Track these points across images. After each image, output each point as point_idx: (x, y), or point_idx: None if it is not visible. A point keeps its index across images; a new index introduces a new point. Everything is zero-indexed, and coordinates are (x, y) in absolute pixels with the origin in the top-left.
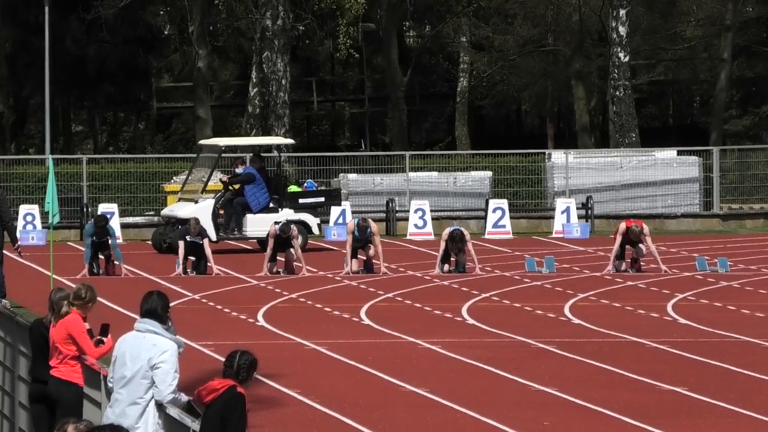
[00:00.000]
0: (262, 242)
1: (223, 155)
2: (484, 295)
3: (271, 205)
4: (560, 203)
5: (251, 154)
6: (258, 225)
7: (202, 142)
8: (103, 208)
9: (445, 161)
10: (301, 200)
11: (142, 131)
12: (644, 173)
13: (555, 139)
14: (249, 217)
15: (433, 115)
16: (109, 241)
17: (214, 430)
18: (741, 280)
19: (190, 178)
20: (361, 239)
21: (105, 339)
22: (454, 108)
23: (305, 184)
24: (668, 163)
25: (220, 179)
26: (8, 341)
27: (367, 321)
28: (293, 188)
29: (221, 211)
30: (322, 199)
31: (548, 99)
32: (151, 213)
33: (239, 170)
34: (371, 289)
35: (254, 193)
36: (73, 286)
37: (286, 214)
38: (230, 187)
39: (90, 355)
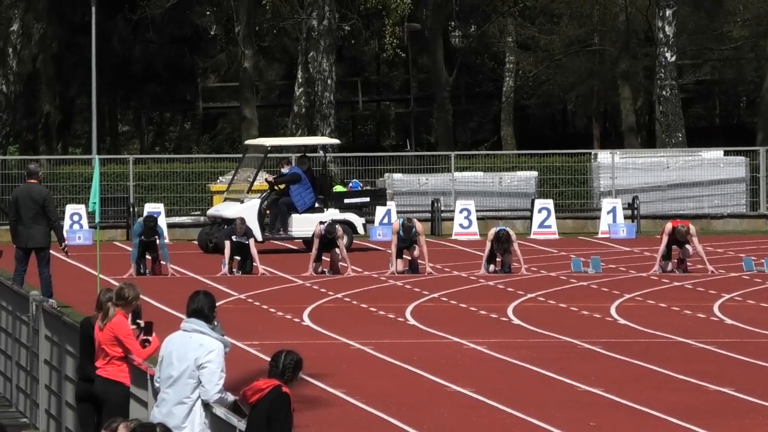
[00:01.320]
0: (307, 242)
1: (268, 155)
2: (529, 296)
3: (317, 205)
4: (606, 203)
5: (297, 154)
6: (303, 225)
7: (248, 142)
8: (149, 208)
9: (490, 161)
10: (346, 200)
11: (188, 131)
12: (691, 173)
13: (601, 139)
14: (294, 217)
15: (479, 115)
16: (157, 241)
17: (259, 430)
18: None
19: (236, 178)
20: (407, 239)
21: (150, 338)
22: (499, 108)
23: (350, 184)
24: (715, 163)
25: (266, 179)
26: (55, 341)
27: (412, 321)
28: (338, 188)
29: (267, 212)
30: (368, 199)
31: (594, 99)
32: (197, 213)
33: (285, 170)
34: (416, 290)
35: (300, 193)
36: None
37: (332, 214)
38: (276, 187)
39: (137, 356)
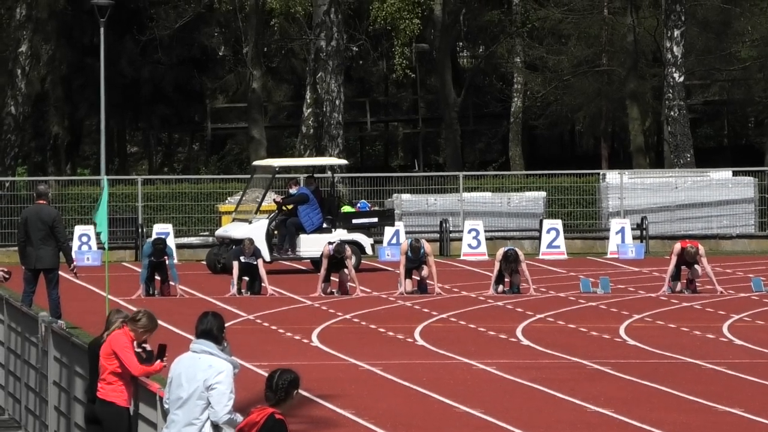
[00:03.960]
0: (315, 263)
1: (277, 176)
2: (538, 316)
3: (325, 225)
4: (615, 224)
5: (305, 175)
6: (311, 245)
7: (256, 162)
8: (158, 228)
9: (498, 181)
10: (354, 221)
11: (197, 152)
12: (699, 194)
13: (609, 159)
14: (302, 237)
15: (487, 136)
16: (167, 262)
17: None
18: None
19: (244, 198)
20: (415, 260)
21: (157, 361)
22: (507, 128)
23: (358, 205)
24: (723, 183)
25: (274, 200)
26: (64, 362)
27: (421, 342)
28: (346, 209)
29: (275, 232)
30: (375, 220)
31: (602, 119)
32: (206, 233)
33: (293, 191)
34: (425, 310)
35: (308, 213)
36: (130, 307)
37: (340, 234)
38: (284, 208)
39: (133, 370)
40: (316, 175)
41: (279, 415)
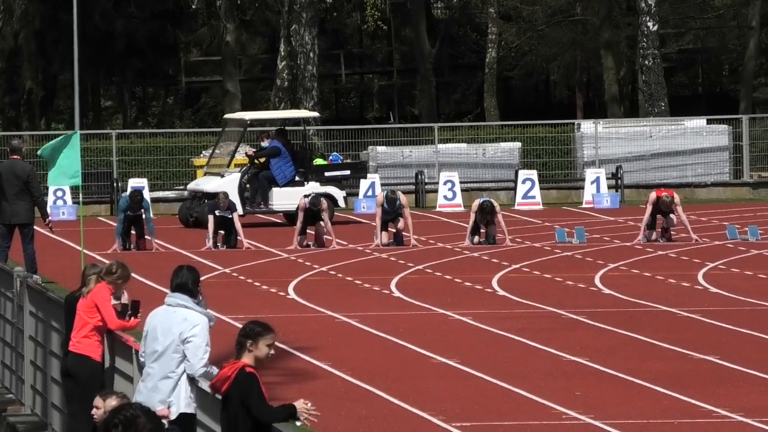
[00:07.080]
0: (288, 216)
1: (249, 129)
2: (514, 267)
3: (297, 178)
4: (590, 173)
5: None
6: (284, 198)
7: (228, 115)
8: (132, 182)
9: (474, 132)
10: (326, 173)
11: (171, 106)
12: (674, 142)
13: (584, 109)
14: (275, 190)
15: (462, 87)
16: (144, 215)
17: (237, 416)
18: None
19: (216, 152)
20: (391, 212)
21: (132, 318)
22: (482, 79)
23: (330, 157)
24: (698, 131)
25: (246, 153)
26: (40, 317)
27: (397, 293)
28: (319, 161)
29: (248, 185)
30: (348, 172)
31: (577, 69)
32: (181, 187)
33: (265, 144)
34: (401, 262)
35: (280, 166)
36: (106, 261)
37: (312, 187)
38: (256, 161)
39: (110, 324)
40: (286, 128)
41: (250, 369)
